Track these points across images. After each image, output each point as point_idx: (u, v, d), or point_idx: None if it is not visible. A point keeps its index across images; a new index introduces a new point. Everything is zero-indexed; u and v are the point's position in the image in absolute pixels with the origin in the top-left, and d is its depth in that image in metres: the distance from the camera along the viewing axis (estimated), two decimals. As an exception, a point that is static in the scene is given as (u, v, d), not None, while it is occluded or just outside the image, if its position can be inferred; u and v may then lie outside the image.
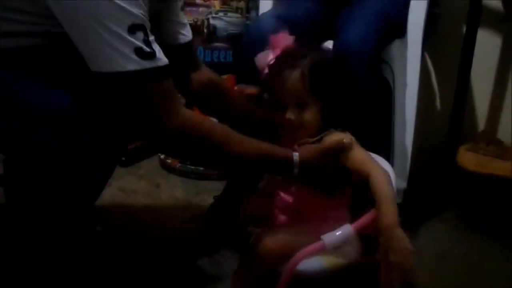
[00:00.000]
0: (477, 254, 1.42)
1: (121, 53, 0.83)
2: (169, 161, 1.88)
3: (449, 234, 1.52)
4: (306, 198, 1.07)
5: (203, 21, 1.68)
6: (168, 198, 1.70)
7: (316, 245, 0.98)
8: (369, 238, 1.08)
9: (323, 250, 0.99)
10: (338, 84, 1.03)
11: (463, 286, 1.30)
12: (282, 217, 1.11)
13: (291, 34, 1.14)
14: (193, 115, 0.95)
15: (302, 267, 1.00)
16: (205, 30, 1.68)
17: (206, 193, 1.71)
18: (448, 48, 1.74)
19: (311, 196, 1.06)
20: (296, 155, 0.99)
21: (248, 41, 1.34)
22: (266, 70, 1.07)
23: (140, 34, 0.84)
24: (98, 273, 1.25)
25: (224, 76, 1.71)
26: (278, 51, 1.06)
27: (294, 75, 1.00)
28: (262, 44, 1.30)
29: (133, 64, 0.84)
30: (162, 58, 0.88)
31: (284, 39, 1.07)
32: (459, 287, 1.29)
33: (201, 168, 1.82)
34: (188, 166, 1.83)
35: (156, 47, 0.88)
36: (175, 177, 1.85)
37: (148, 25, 0.87)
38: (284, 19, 1.33)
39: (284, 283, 0.99)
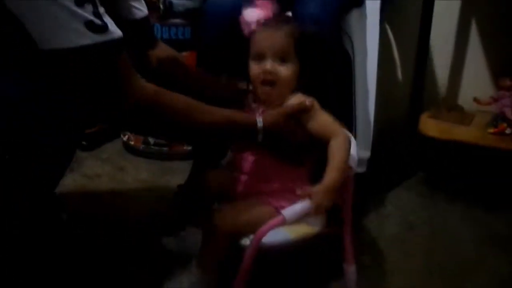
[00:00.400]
0: (441, 219, 1.45)
1: (71, 27, 0.78)
2: (132, 143, 1.84)
3: (414, 201, 1.55)
4: (267, 162, 1.07)
5: (158, -3, 1.63)
6: (133, 180, 1.68)
7: (277, 219, 0.99)
8: (333, 209, 1.09)
9: (283, 224, 0.99)
10: (316, 51, 1.05)
11: (428, 251, 1.33)
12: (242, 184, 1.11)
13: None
14: (153, 87, 0.92)
15: (268, 240, 1.00)
16: (161, 6, 1.63)
17: (171, 173, 1.70)
18: (407, 17, 1.74)
19: (273, 163, 1.06)
20: (260, 120, 0.98)
21: (207, 17, 1.30)
22: (253, 26, 1.05)
23: (89, 7, 0.80)
24: (66, 261, 1.23)
25: (184, 54, 1.68)
26: (266, 12, 1.06)
27: (285, 30, 1.02)
28: (222, 19, 1.28)
29: (85, 38, 0.79)
30: (115, 31, 0.84)
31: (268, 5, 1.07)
32: (424, 252, 1.32)
33: (165, 149, 1.79)
34: (152, 147, 1.80)
35: (108, 20, 0.84)
36: (139, 159, 1.82)
37: None
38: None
39: (250, 257, 0.99)
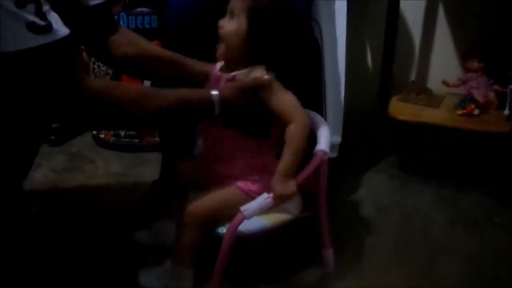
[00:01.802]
0: (412, 201, 1.47)
1: (13, 30, 0.77)
2: (102, 136, 1.81)
3: (386, 184, 1.56)
4: (230, 140, 1.06)
5: (123, -14, 1.60)
6: (104, 173, 1.65)
7: (237, 218, 0.99)
8: (308, 193, 1.10)
9: (243, 221, 0.99)
10: (276, 25, 1.02)
11: (400, 233, 1.34)
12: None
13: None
14: (100, 81, 0.93)
15: (245, 228, 1.01)
16: (126, -5, 1.60)
17: (143, 165, 1.68)
18: (375, 0, 1.75)
19: (236, 139, 1.05)
20: (215, 94, 0.98)
21: (170, 6, 1.28)
22: None
23: (31, 7, 0.79)
24: (35, 255, 1.21)
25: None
26: None
27: None
28: (184, 8, 1.25)
29: (27, 41, 0.78)
30: (59, 30, 0.82)
31: None
32: (396, 235, 1.33)
33: (137, 140, 1.77)
34: (123, 140, 1.78)
35: (53, 17, 0.82)
36: (110, 152, 1.79)
37: None
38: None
39: (226, 246, 1.00)
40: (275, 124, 1.05)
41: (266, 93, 1.01)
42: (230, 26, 1.02)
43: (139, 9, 1.62)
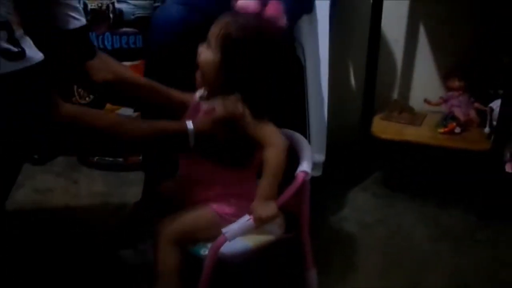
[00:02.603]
0: (396, 219, 1.48)
1: None
2: (86, 155, 1.80)
3: (369, 202, 1.57)
4: (206, 168, 1.05)
5: (108, 6, 1.60)
6: (88, 193, 1.64)
7: (218, 240, 0.97)
8: (291, 214, 1.10)
9: (224, 243, 0.98)
10: (251, 55, 1.01)
11: (383, 250, 1.35)
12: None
13: (195, 16, 1.12)
14: (74, 107, 0.93)
15: (227, 250, 0.99)
16: (111, 15, 1.60)
17: (127, 184, 1.67)
18: (357, 20, 1.78)
19: (213, 168, 1.04)
20: (189, 123, 0.98)
21: (153, 27, 1.29)
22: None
23: (4, 34, 0.78)
24: (20, 278, 1.19)
25: (135, 62, 1.66)
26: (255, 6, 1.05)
27: (224, 21, 1.01)
28: (169, 28, 1.26)
29: (1, 67, 0.78)
30: (33, 56, 0.82)
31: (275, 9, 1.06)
32: (379, 252, 1.34)
33: (121, 160, 1.76)
34: (107, 159, 1.77)
35: (26, 43, 0.82)
36: (94, 171, 1.78)
37: (13, 20, 0.81)
38: (190, 2, 1.29)
39: (208, 268, 0.98)
40: (257, 149, 1.05)
41: (241, 123, 1.01)
42: (206, 54, 1.02)
43: (123, 29, 1.63)
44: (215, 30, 1.01)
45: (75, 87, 1.73)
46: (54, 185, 1.68)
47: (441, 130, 1.55)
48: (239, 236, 0.99)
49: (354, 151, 1.74)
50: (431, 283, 1.22)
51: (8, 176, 1.09)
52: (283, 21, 1.05)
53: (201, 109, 1.07)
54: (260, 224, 0.99)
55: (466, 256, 1.32)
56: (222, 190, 1.05)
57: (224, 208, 1.04)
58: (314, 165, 1.16)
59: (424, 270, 1.26)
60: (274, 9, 1.04)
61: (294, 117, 1.33)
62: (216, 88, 1.04)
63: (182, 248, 1.01)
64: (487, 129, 1.51)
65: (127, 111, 1.70)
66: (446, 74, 1.70)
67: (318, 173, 1.43)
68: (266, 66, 1.02)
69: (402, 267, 1.28)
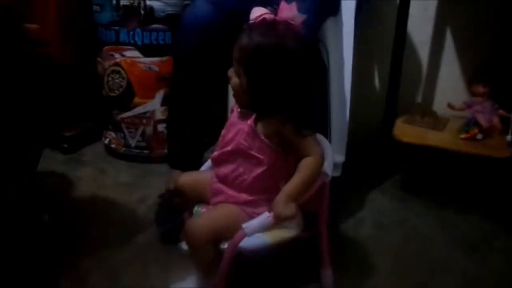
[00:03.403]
0: (414, 222, 1.49)
1: None
2: (113, 146, 1.86)
3: (387, 204, 1.59)
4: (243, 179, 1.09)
5: (139, 2, 1.64)
6: (114, 183, 1.70)
7: (238, 235, 1.01)
8: (310, 213, 1.13)
9: (243, 238, 1.02)
10: (273, 70, 1.01)
11: (400, 252, 1.36)
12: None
13: (224, 16, 1.14)
14: None
15: (246, 244, 1.03)
16: (142, 11, 1.65)
17: (152, 176, 1.72)
18: (382, 23, 1.78)
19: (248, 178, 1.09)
20: None
21: (183, 26, 1.32)
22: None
23: None
24: (46, 261, 1.25)
25: (164, 58, 1.71)
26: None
27: (241, 43, 1.01)
28: (197, 29, 1.30)
29: None
30: None
31: (288, 11, 1.03)
32: (395, 255, 1.35)
33: (146, 152, 1.82)
34: (133, 150, 1.83)
35: None
36: (120, 161, 1.84)
37: None
38: (219, 2, 1.32)
39: (227, 262, 1.02)
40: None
41: (294, 141, 1.04)
42: (234, 79, 1.04)
43: (153, 25, 1.67)
44: (235, 54, 1.03)
45: (105, 77, 1.79)
46: (82, 173, 1.75)
47: (463, 135, 1.55)
48: (258, 232, 1.03)
49: (374, 153, 1.75)
50: (443, 287, 1.23)
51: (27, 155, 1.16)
52: (299, 19, 1.03)
53: (237, 125, 1.09)
54: (278, 221, 1.02)
55: (481, 263, 1.32)
56: (252, 197, 1.09)
57: (253, 209, 1.08)
58: (334, 166, 1.18)
59: (437, 275, 1.27)
60: (287, 10, 1.02)
61: (316, 117, 1.36)
62: (250, 108, 1.07)
63: (213, 244, 1.05)
64: (509, 137, 1.50)
65: (154, 105, 1.76)
66: (470, 79, 1.69)
67: (337, 173, 1.46)
68: (294, 74, 1.01)
69: (415, 270, 1.29)
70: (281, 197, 1.02)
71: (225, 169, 1.10)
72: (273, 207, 1.02)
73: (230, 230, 1.03)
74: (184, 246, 1.24)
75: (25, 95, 1.16)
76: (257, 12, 1.03)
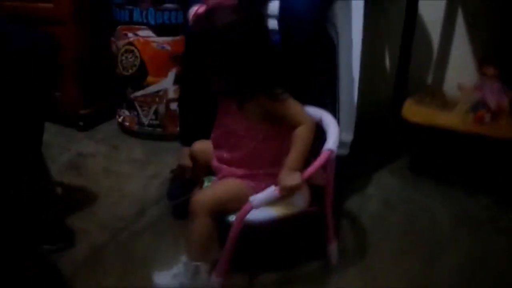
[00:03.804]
0: (420, 201, 1.51)
1: None
2: (127, 123, 1.90)
3: (396, 183, 1.60)
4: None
5: (152, -18, 1.67)
6: (127, 159, 1.74)
7: (245, 208, 1.05)
8: (316, 188, 1.16)
9: (251, 210, 1.06)
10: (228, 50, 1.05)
11: (405, 230, 1.39)
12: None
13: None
14: None
15: (254, 217, 1.07)
16: (155, -9, 1.68)
17: (164, 153, 1.76)
18: (393, 3, 1.78)
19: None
20: None
21: (192, 6, 1.34)
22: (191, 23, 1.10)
23: None
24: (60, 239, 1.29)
25: (176, 38, 1.73)
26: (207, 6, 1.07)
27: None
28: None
29: None
30: None
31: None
32: (401, 232, 1.38)
33: (159, 129, 1.86)
34: (146, 128, 1.87)
35: None
36: (133, 139, 1.88)
37: None
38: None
39: (234, 235, 1.06)
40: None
41: (280, 108, 1.09)
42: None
43: (166, 5, 1.69)
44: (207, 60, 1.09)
45: (119, 56, 1.82)
46: (95, 150, 1.80)
47: (471, 116, 1.55)
48: (264, 204, 1.07)
49: (383, 133, 1.77)
50: (447, 265, 1.25)
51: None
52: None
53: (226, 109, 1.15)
54: (285, 193, 1.06)
55: (485, 242, 1.33)
56: (258, 171, 1.14)
57: (253, 183, 1.12)
58: (342, 144, 1.21)
59: (442, 252, 1.29)
60: None
61: (325, 95, 1.38)
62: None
63: (214, 218, 1.09)
64: (518, 118, 1.51)
65: (167, 84, 1.79)
66: (481, 61, 1.69)
67: (345, 151, 1.48)
68: (247, 46, 1.05)
69: (420, 247, 1.31)
70: (285, 169, 1.07)
71: (221, 151, 1.16)
72: (278, 180, 1.06)
73: (232, 203, 1.08)
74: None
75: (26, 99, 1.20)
76: (192, 12, 1.08)
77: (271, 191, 1.06)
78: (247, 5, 1.10)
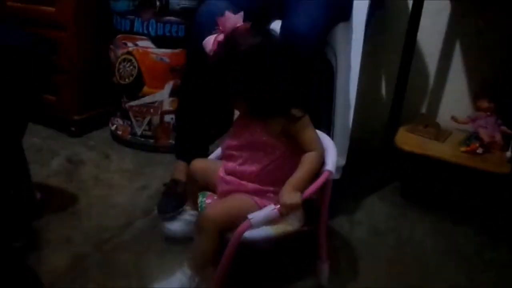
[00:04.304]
0: (409, 229, 1.51)
1: None
2: (120, 132, 1.89)
3: (384, 210, 1.60)
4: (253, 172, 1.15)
5: (155, -6, 1.68)
6: (117, 168, 1.73)
7: (243, 225, 1.06)
8: (310, 209, 1.17)
9: (249, 228, 1.07)
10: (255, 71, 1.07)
11: (392, 258, 1.38)
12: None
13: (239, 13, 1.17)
14: None
15: (251, 235, 1.08)
16: (157, 3, 1.68)
17: (155, 165, 1.75)
18: (394, 30, 1.80)
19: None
20: None
21: (198, 22, 1.35)
22: (212, 52, 1.10)
23: None
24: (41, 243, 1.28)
25: (176, 50, 1.73)
26: (224, 33, 1.09)
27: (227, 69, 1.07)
28: (211, 25, 1.32)
29: None
30: None
31: (231, 20, 1.09)
32: (388, 259, 1.38)
33: (152, 141, 1.85)
34: (139, 138, 1.86)
35: None
36: (125, 148, 1.87)
37: None
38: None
39: (231, 251, 1.07)
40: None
41: (299, 128, 1.12)
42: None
43: (168, 18, 1.70)
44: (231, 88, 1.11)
45: (117, 65, 1.82)
46: (86, 157, 1.78)
47: (463, 148, 1.56)
48: (263, 223, 1.08)
49: (376, 159, 1.77)
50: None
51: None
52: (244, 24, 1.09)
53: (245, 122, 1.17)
54: (284, 211, 1.07)
55: (471, 274, 1.33)
56: (259, 188, 1.14)
57: (263, 201, 1.12)
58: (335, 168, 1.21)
59: (427, 283, 1.29)
60: (232, 19, 1.09)
61: (321, 117, 1.38)
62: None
63: (221, 234, 1.10)
64: (509, 153, 1.52)
65: (163, 95, 1.79)
66: (476, 94, 1.71)
67: (337, 176, 1.48)
68: (270, 69, 1.07)
69: (405, 277, 1.30)
70: (286, 187, 1.08)
71: (233, 163, 1.16)
72: (279, 197, 1.07)
73: (240, 220, 1.07)
74: (170, 226, 1.30)
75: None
76: (210, 40, 1.10)
77: (270, 209, 1.07)
78: (261, 28, 1.12)
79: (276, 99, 1.09)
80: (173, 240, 1.32)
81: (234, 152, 1.17)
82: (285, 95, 1.09)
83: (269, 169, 1.13)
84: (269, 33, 1.16)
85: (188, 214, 1.28)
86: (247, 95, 1.08)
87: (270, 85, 1.07)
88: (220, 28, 1.09)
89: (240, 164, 1.15)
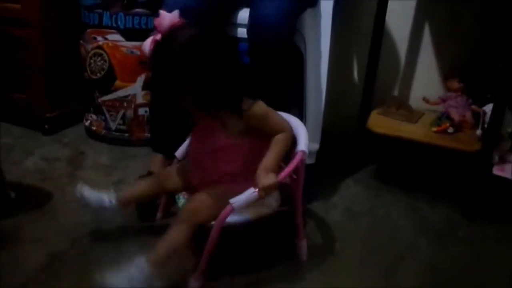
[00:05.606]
0: (383, 211, 1.54)
1: None
2: (94, 128, 1.88)
3: (359, 193, 1.63)
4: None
5: (122, -14, 1.66)
6: (93, 164, 1.72)
7: (226, 210, 1.08)
8: (285, 188, 1.20)
9: (231, 212, 1.09)
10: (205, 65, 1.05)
11: (368, 238, 1.41)
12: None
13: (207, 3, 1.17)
14: None
15: (231, 220, 1.10)
16: (125, -5, 1.67)
17: (131, 159, 1.75)
18: (361, 16, 1.82)
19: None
20: None
21: (164, 10, 1.34)
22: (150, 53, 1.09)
23: None
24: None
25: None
26: (161, 32, 1.08)
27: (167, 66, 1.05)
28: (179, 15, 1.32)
29: None
30: None
31: (167, 19, 1.08)
32: (362, 240, 1.40)
33: (126, 135, 1.84)
34: (114, 133, 1.85)
35: None
36: (100, 144, 1.86)
37: None
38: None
39: (215, 237, 1.09)
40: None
41: (264, 121, 1.12)
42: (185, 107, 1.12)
43: (136, 10, 1.69)
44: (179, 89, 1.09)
45: (88, 59, 1.80)
46: (61, 154, 1.77)
47: (435, 128, 1.59)
48: (244, 206, 1.09)
49: (349, 143, 1.79)
50: (407, 274, 1.27)
51: None
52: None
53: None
54: (263, 193, 1.09)
55: (445, 251, 1.36)
56: (230, 170, 1.15)
57: (235, 187, 1.12)
58: (308, 153, 1.22)
59: (402, 261, 1.31)
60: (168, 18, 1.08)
61: (292, 104, 1.39)
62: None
63: (196, 228, 1.10)
64: (479, 131, 1.54)
65: (136, 89, 1.78)
66: (446, 75, 1.73)
67: (311, 161, 1.49)
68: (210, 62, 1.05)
69: (381, 256, 1.33)
70: (260, 170, 1.10)
71: (201, 170, 1.18)
72: (255, 180, 1.08)
73: (215, 210, 1.09)
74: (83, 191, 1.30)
75: None
76: (148, 42, 1.09)
77: (251, 192, 1.09)
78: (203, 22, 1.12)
79: (217, 89, 1.06)
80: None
81: (201, 159, 1.18)
82: (227, 85, 1.07)
83: (239, 164, 1.14)
84: (209, 28, 1.16)
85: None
86: (188, 88, 1.05)
87: (209, 75, 1.04)
88: (157, 28, 1.08)
89: (209, 171, 1.16)
